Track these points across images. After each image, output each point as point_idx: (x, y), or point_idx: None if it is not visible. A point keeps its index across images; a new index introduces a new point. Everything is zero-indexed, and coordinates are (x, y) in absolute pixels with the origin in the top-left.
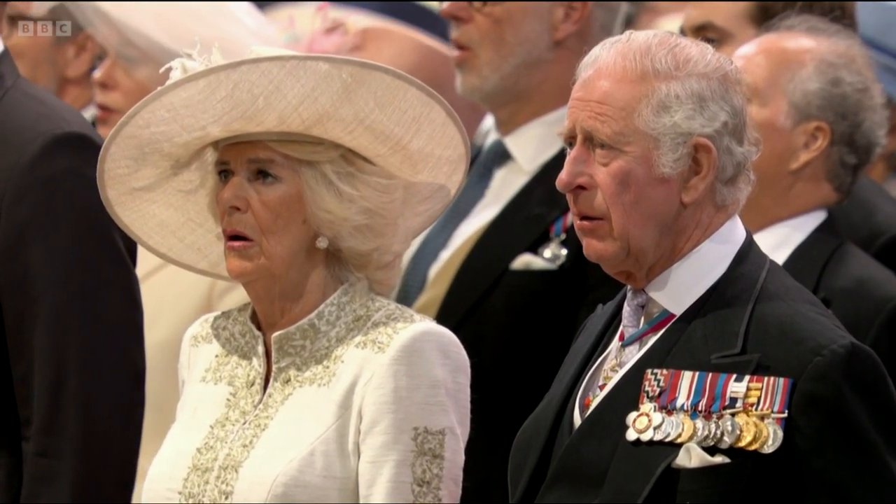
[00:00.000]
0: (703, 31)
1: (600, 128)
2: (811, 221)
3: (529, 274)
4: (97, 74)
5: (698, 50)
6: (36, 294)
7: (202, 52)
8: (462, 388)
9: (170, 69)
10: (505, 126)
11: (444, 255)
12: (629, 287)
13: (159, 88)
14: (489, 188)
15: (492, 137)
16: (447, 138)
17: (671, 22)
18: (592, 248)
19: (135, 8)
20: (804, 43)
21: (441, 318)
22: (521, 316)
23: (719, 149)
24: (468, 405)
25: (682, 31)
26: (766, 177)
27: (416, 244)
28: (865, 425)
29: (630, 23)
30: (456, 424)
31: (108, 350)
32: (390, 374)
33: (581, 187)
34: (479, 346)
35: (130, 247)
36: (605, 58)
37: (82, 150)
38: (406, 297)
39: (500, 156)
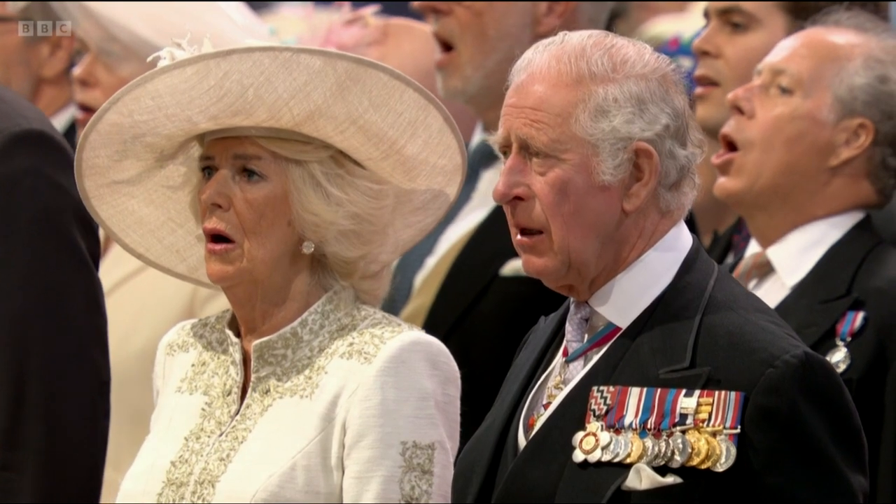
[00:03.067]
0: (728, 15)
1: (536, 135)
2: (848, 220)
3: (520, 280)
4: (77, 71)
5: (635, 50)
6: None
7: (192, 42)
8: (452, 401)
9: (158, 58)
10: (492, 127)
11: (430, 261)
12: (572, 299)
13: (144, 74)
14: (476, 190)
15: (478, 138)
16: (443, 146)
17: (663, 25)
18: (532, 264)
19: (120, 3)
20: (852, 38)
21: (429, 328)
22: (512, 324)
23: (661, 153)
24: (458, 418)
25: (706, 14)
26: (803, 171)
27: None
28: (822, 438)
29: (615, 19)
30: (446, 438)
31: (72, 358)
32: (377, 385)
33: (518, 198)
34: (469, 355)
35: (94, 250)
36: (538, 61)
37: (42, 147)
38: (392, 305)
39: (487, 157)
